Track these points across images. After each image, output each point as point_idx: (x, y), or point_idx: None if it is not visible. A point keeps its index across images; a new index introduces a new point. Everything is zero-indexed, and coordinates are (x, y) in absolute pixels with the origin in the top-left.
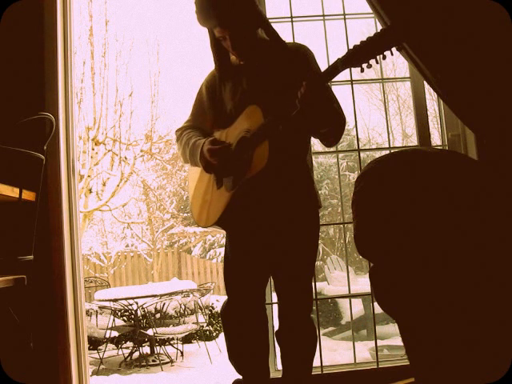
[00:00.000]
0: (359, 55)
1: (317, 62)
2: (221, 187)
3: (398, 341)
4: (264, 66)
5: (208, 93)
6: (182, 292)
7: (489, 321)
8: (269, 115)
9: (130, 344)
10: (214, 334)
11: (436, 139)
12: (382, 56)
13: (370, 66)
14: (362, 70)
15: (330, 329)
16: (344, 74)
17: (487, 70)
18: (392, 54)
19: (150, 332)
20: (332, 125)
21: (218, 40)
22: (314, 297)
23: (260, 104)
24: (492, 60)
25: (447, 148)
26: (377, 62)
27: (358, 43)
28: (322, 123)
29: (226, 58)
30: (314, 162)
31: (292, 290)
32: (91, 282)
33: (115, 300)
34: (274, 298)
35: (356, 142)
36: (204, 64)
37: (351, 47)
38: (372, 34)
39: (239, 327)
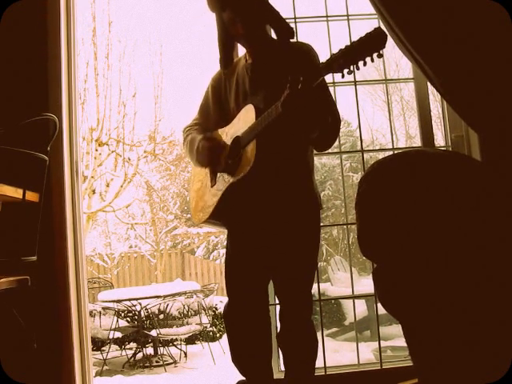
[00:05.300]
0: (340, 62)
1: (319, 62)
2: (214, 185)
3: (401, 342)
4: (268, 66)
5: (213, 92)
6: (185, 293)
7: (489, 321)
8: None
9: (133, 345)
10: (218, 335)
11: (439, 140)
12: (363, 62)
13: (350, 73)
14: (343, 76)
15: (334, 330)
16: (348, 76)
17: (487, 69)
18: (372, 61)
19: (153, 333)
20: (322, 128)
21: (225, 29)
22: (316, 298)
23: (257, 104)
24: (492, 60)
25: (451, 149)
26: (357, 68)
27: (341, 49)
28: (309, 127)
29: (231, 49)
30: (317, 163)
31: (291, 292)
32: (95, 282)
33: (119, 301)
34: None
35: (359, 142)
36: (206, 64)
37: (333, 53)
38: (355, 40)
39: (241, 328)
